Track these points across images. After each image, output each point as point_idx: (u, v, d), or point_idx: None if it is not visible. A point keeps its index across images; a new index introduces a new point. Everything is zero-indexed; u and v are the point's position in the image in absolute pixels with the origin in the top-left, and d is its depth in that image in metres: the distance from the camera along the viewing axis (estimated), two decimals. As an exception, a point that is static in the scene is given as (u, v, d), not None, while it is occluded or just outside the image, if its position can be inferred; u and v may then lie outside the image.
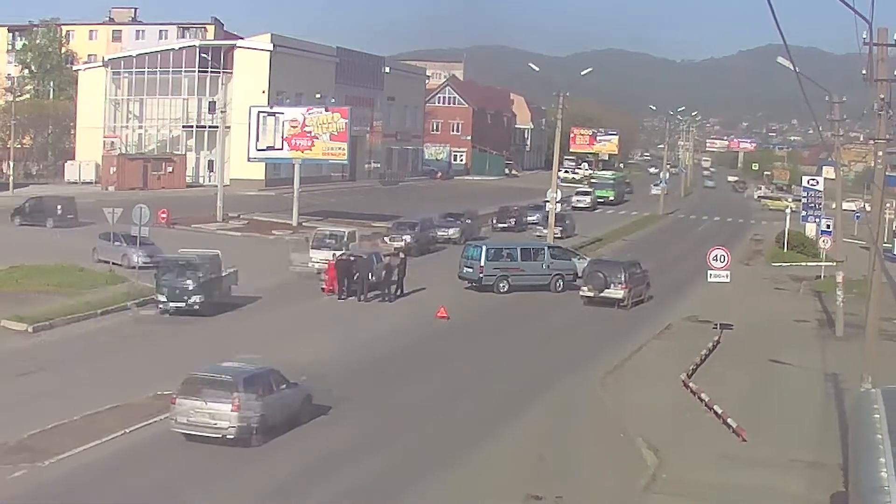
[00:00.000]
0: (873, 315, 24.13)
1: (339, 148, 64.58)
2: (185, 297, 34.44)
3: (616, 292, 39.64)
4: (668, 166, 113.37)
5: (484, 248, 43.58)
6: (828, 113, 36.42)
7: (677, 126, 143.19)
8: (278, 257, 46.42)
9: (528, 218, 66.36)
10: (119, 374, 26.92)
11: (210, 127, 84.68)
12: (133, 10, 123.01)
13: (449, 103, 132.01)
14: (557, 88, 58.18)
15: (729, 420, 23.68)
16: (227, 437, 21.22)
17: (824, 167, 75.50)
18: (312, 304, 38.60)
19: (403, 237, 51.27)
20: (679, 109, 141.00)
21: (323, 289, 39.99)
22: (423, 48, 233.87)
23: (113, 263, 41.67)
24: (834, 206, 43.91)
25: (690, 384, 27.09)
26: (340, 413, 24.05)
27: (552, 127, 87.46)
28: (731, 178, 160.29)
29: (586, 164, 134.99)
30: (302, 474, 20.14)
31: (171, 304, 34.48)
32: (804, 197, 57.85)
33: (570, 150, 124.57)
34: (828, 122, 37.42)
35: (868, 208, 35.17)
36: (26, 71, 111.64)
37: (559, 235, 56.98)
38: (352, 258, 40.30)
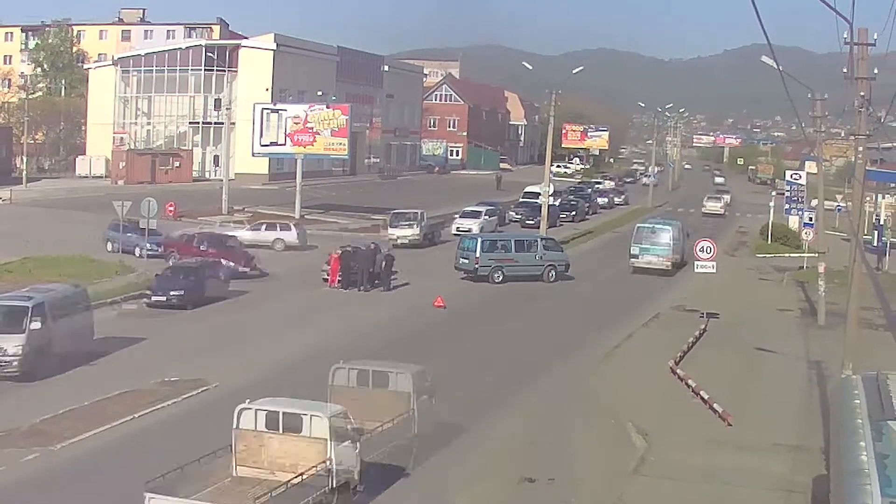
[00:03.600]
0: (854, 304, 24.36)
1: (340, 143, 65.31)
2: None
3: None
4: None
5: (479, 239, 44.30)
6: (810, 110, 36.67)
7: (665, 122, 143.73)
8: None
9: None
10: (127, 360, 27.41)
11: (216, 123, 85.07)
12: (141, 10, 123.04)
13: (446, 100, 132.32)
14: (550, 86, 58.74)
15: (715, 405, 23.78)
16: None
17: (807, 162, 75.77)
18: (315, 294, 39.10)
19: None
20: (667, 106, 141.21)
21: (326, 279, 40.47)
22: (420, 47, 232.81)
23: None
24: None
25: (678, 371, 27.31)
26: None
27: (545, 123, 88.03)
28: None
29: (577, 160, 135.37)
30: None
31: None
32: (787, 190, 58.55)
33: (563, 145, 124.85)
34: (810, 119, 37.73)
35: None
36: (39, 69, 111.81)
37: None
38: (351, 249, 40.98)
